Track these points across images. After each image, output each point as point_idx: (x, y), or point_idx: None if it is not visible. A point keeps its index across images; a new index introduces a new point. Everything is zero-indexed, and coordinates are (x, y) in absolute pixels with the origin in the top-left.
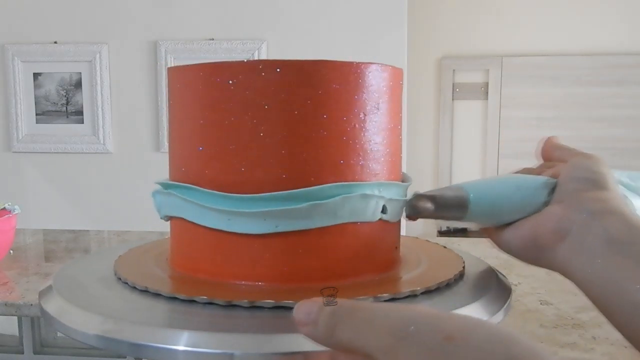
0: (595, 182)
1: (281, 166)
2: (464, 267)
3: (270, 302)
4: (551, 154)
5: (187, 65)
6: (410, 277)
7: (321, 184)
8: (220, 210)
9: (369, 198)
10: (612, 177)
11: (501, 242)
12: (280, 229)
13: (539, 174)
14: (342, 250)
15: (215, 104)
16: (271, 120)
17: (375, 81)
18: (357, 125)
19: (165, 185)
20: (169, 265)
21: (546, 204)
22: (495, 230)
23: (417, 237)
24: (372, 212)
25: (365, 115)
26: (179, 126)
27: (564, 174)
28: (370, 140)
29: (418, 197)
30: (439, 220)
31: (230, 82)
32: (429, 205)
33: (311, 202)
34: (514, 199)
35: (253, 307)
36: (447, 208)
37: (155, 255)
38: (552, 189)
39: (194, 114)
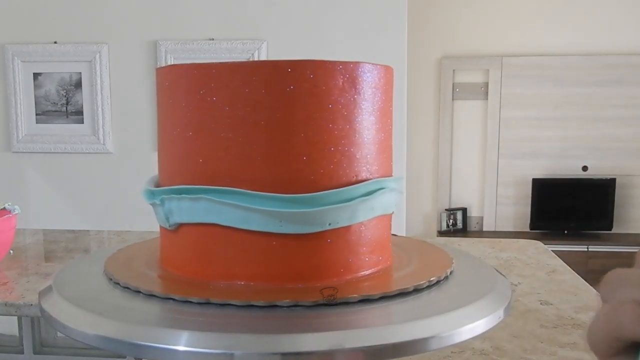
0: None
1: (331, 164)
2: (452, 265)
3: (288, 301)
4: None
5: (222, 63)
6: (402, 274)
7: (363, 181)
8: (272, 212)
9: (393, 191)
10: None
11: None
12: (332, 226)
13: None
14: (372, 243)
15: (245, 103)
16: (306, 117)
17: (385, 81)
18: (384, 123)
19: (187, 190)
20: (161, 267)
21: None
22: None
23: (407, 236)
24: (393, 205)
25: (384, 113)
26: (200, 127)
27: None
28: (388, 137)
29: None
30: (441, 219)
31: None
32: None
33: (360, 198)
34: None
35: (252, 307)
36: None
37: (145, 257)
38: None
39: (228, 113)
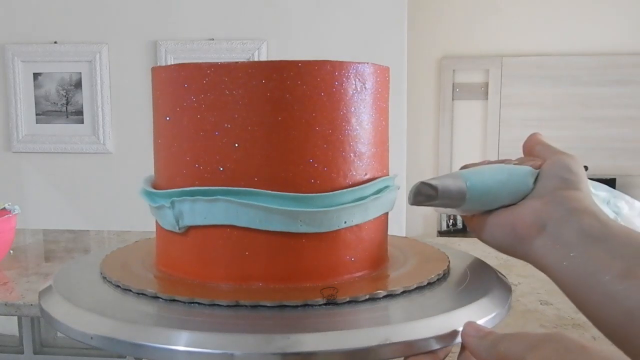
0: (572, 182)
1: (346, 162)
2: (449, 265)
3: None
4: (533, 148)
5: (229, 63)
6: (401, 273)
7: (371, 180)
8: (291, 212)
9: (395, 189)
10: (586, 178)
11: (482, 232)
12: (347, 224)
13: (519, 164)
14: (375, 241)
15: (263, 103)
16: (323, 117)
17: (387, 81)
18: (383, 122)
19: (203, 192)
20: (161, 269)
21: (531, 190)
22: (477, 219)
23: (402, 237)
24: (394, 202)
25: (385, 113)
26: (215, 127)
27: (546, 170)
28: (387, 137)
29: (422, 185)
30: (441, 219)
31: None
32: (432, 193)
33: (372, 196)
34: (507, 186)
35: (257, 307)
36: (448, 196)
37: (141, 258)
38: (536, 178)
39: (245, 113)
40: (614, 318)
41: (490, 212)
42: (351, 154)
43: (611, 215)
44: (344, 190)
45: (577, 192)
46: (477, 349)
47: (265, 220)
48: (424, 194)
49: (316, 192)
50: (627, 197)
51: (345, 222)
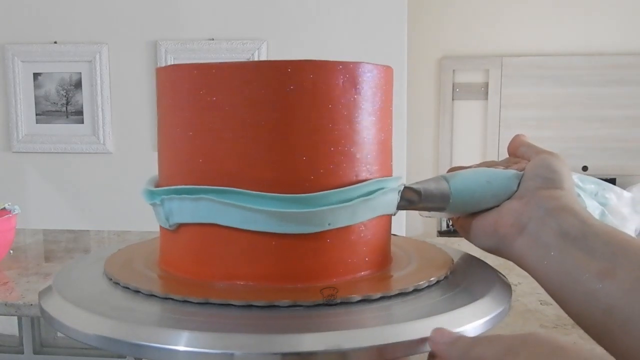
0: (554, 181)
1: (331, 164)
2: (452, 265)
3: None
4: (517, 150)
5: (229, 63)
6: (402, 274)
7: (363, 181)
8: (273, 212)
9: (394, 191)
10: (569, 176)
11: (468, 233)
12: (332, 226)
13: (505, 167)
14: (372, 243)
15: (246, 103)
16: (313, 119)
17: (385, 81)
18: (384, 123)
19: (188, 190)
20: (161, 267)
21: (515, 192)
22: (463, 221)
23: (406, 236)
24: (394, 205)
25: (384, 113)
26: (200, 127)
27: (528, 171)
28: (388, 137)
29: (405, 189)
30: (440, 219)
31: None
32: (415, 198)
33: (361, 198)
34: (491, 190)
35: (252, 307)
36: (431, 200)
37: (144, 257)
38: (520, 181)
39: (228, 114)
40: (593, 316)
41: (475, 214)
42: (338, 155)
43: (597, 209)
44: (328, 191)
45: (558, 190)
46: (449, 355)
47: (247, 219)
48: (406, 199)
49: (298, 193)
50: (616, 188)
51: (329, 224)
